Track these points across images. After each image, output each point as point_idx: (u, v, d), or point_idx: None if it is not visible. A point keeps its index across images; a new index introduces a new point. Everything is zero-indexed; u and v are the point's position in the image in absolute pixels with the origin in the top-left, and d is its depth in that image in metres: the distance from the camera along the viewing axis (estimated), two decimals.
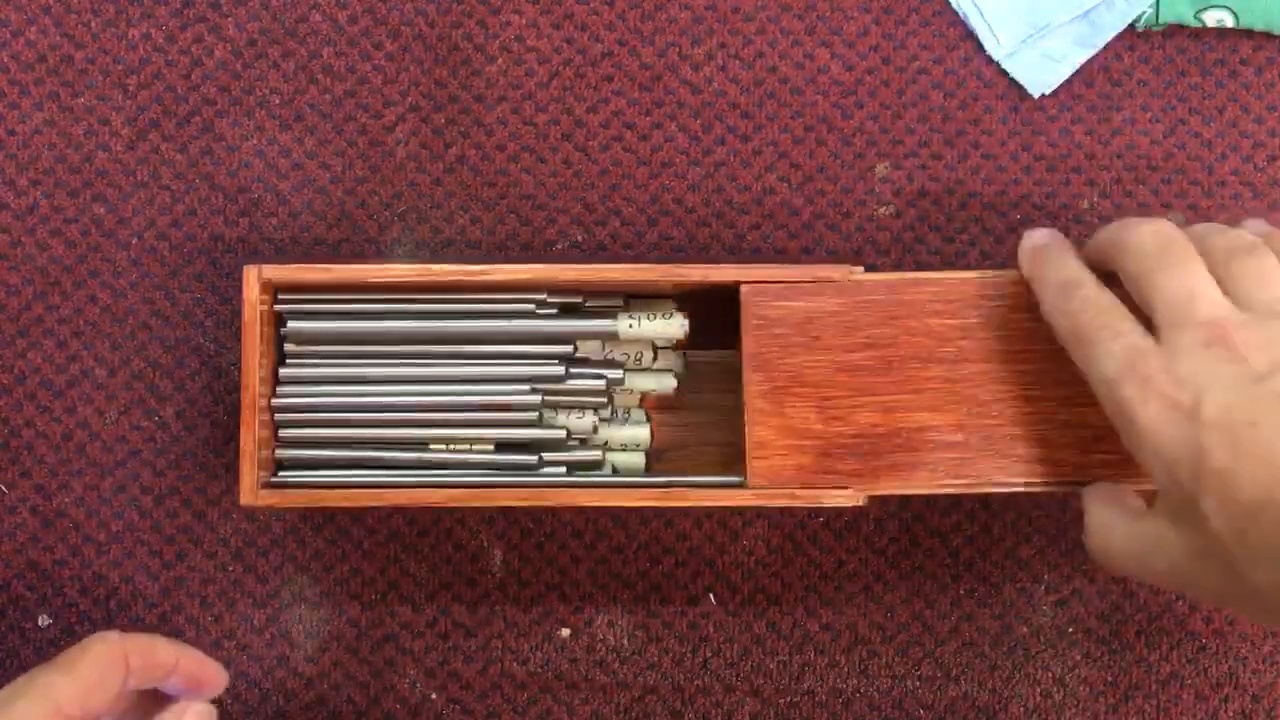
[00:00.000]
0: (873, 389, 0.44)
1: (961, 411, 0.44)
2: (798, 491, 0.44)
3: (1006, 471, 0.44)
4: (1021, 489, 0.44)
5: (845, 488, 0.44)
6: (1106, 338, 0.39)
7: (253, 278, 0.45)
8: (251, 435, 0.44)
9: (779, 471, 0.44)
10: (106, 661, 0.40)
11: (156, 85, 0.51)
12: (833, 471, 0.44)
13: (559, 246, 0.51)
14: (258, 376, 0.45)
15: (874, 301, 0.45)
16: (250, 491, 0.44)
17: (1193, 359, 0.37)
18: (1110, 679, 0.51)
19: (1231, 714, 0.51)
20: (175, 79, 0.51)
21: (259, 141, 0.51)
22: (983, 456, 0.44)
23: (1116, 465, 0.44)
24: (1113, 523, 0.41)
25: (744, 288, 0.45)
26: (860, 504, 0.44)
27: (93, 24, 0.51)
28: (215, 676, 0.44)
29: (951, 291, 0.45)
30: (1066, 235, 0.51)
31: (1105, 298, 0.40)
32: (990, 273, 0.45)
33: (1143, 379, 0.37)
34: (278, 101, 0.51)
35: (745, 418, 0.44)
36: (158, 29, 0.51)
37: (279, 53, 0.51)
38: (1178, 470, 0.36)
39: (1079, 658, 0.51)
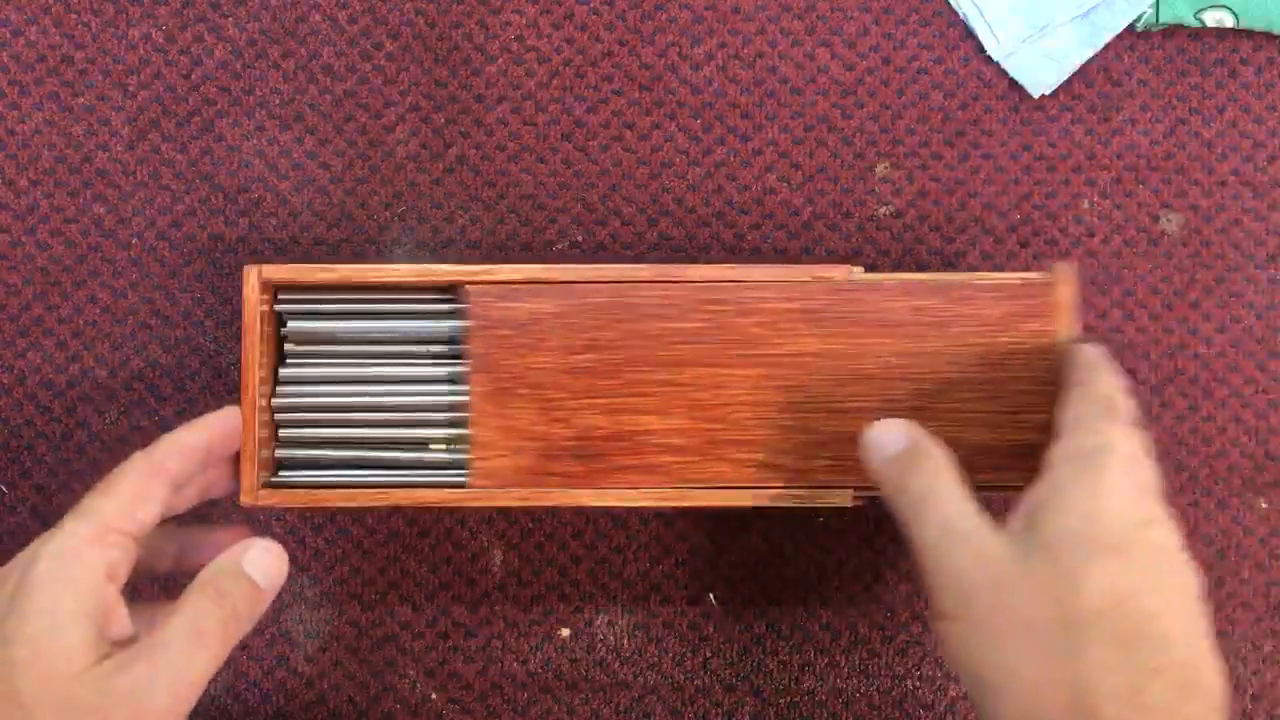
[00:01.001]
0: (596, 391, 0.44)
1: (685, 415, 0.44)
2: (797, 492, 0.44)
3: (731, 476, 0.44)
4: (749, 501, 0.44)
5: (848, 488, 0.44)
6: None
7: (253, 278, 0.45)
8: (251, 435, 0.44)
9: (500, 472, 0.44)
10: (145, 475, 0.40)
11: (156, 85, 0.51)
12: (554, 473, 0.44)
13: (559, 246, 0.51)
14: (258, 376, 0.45)
15: (598, 304, 0.44)
16: (250, 492, 0.44)
17: None
18: None
19: (1231, 714, 0.51)
20: (175, 79, 0.51)
21: (259, 141, 0.51)
22: (708, 460, 0.44)
23: (840, 471, 0.44)
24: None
25: (469, 288, 0.45)
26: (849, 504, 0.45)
27: (93, 24, 0.51)
28: (236, 417, 0.44)
29: (674, 295, 0.44)
30: (1066, 234, 0.51)
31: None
32: (713, 269, 0.45)
33: None
34: (278, 101, 0.51)
35: (470, 418, 0.44)
36: (158, 29, 0.51)
37: (279, 53, 0.51)
38: None
39: None
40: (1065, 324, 0.44)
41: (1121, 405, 0.40)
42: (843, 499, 0.44)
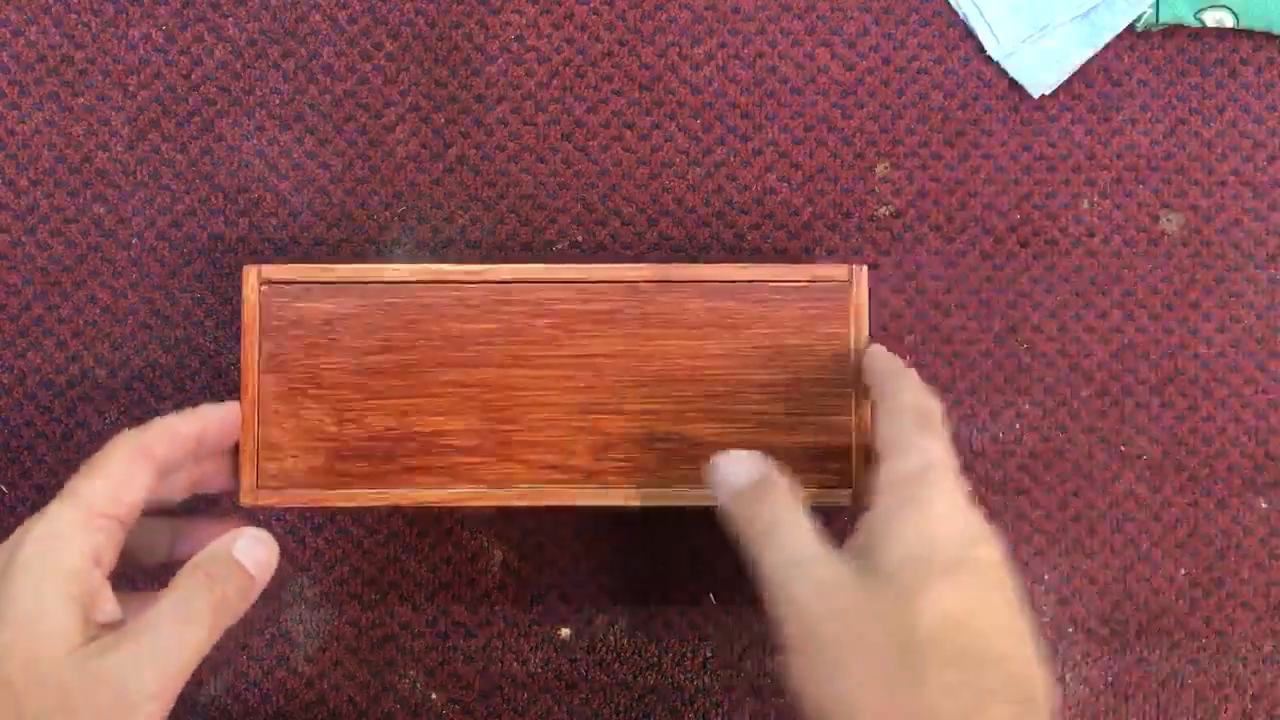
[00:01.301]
0: (388, 393, 0.44)
1: (476, 417, 0.44)
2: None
3: (524, 477, 0.45)
4: (541, 499, 0.45)
5: (846, 487, 0.45)
6: None
7: (253, 278, 0.45)
8: (251, 435, 0.44)
9: (290, 474, 0.44)
10: (130, 457, 0.40)
11: (156, 85, 0.51)
12: (345, 475, 0.44)
13: (559, 246, 0.51)
14: (258, 375, 0.45)
15: (395, 305, 0.44)
16: (250, 491, 0.44)
17: None
18: (1110, 679, 0.51)
19: (1231, 714, 0.51)
20: (175, 79, 0.51)
21: (259, 141, 0.51)
22: (499, 461, 0.44)
23: (627, 473, 0.45)
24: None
25: (263, 288, 0.45)
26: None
27: (93, 24, 0.51)
28: (236, 413, 0.45)
29: (472, 296, 0.45)
30: (1066, 234, 0.51)
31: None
32: (508, 268, 0.45)
33: None
34: (278, 101, 0.51)
35: (258, 418, 0.44)
36: (158, 29, 0.51)
37: (279, 53, 0.51)
38: None
39: (1079, 658, 0.51)
40: (859, 327, 0.45)
41: (931, 413, 0.41)
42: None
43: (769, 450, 0.43)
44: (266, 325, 0.44)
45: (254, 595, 0.41)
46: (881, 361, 0.44)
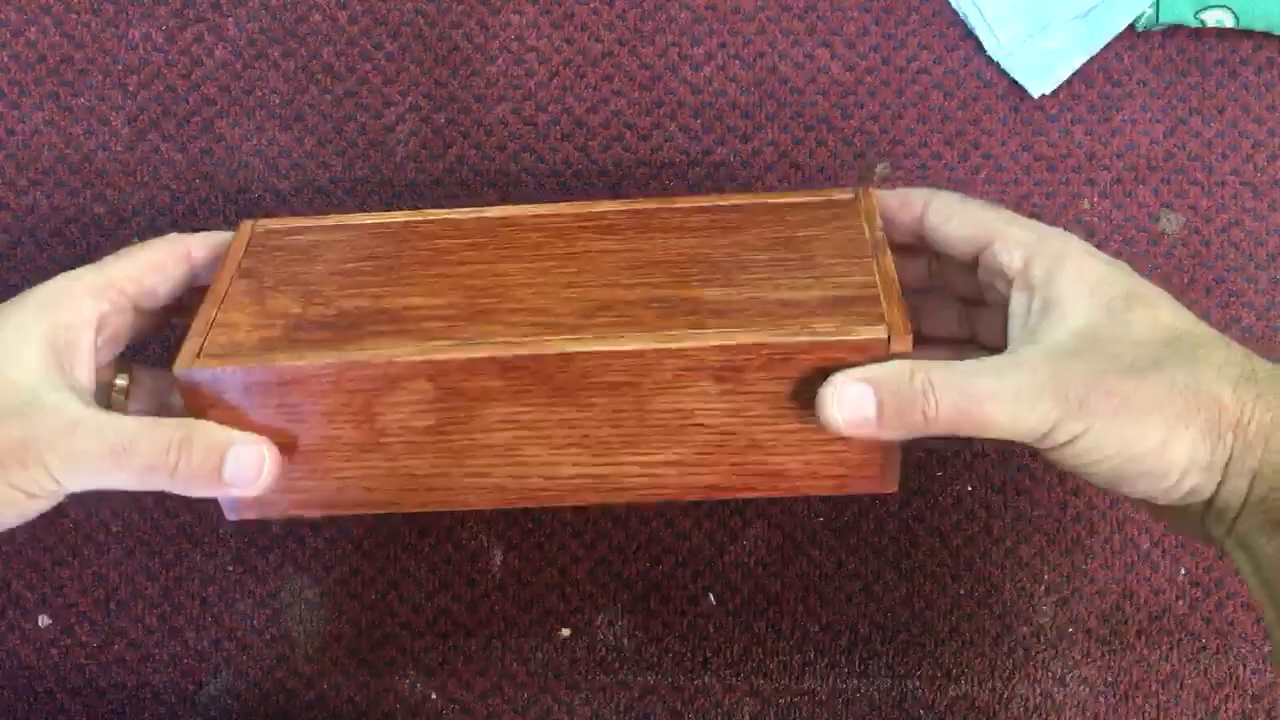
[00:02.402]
0: (363, 284, 0.42)
1: (455, 294, 0.41)
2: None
3: (502, 333, 0.39)
4: (518, 349, 0.38)
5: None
6: None
7: (248, 227, 0.43)
8: (206, 318, 0.41)
9: (240, 345, 0.40)
10: (166, 250, 0.42)
11: (156, 85, 0.51)
12: (299, 342, 0.39)
13: None
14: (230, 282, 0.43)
15: (384, 228, 0.44)
16: (188, 357, 0.40)
17: None
18: (1110, 679, 0.51)
19: (1231, 714, 0.51)
20: (175, 79, 0.51)
21: (259, 141, 0.51)
22: (474, 324, 0.39)
23: (620, 326, 0.39)
24: None
25: (255, 227, 0.43)
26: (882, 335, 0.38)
27: (93, 24, 0.51)
28: None
29: (466, 222, 0.43)
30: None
31: None
32: (512, 207, 0.44)
33: None
34: (278, 101, 0.51)
35: (219, 307, 0.41)
36: (158, 29, 0.51)
37: (279, 53, 0.51)
38: None
39: (1079, 658, 0.51)
40: (872, 226, 0.41)
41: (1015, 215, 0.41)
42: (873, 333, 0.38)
43: (779, 303, 0.39)
44: (252, 249, 0.43)
45: (208, 491, 0.40)
46: (900, 191, 0.43)
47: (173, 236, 0.43)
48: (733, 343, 0.38)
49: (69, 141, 0.51)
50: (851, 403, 0.37)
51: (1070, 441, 0.36)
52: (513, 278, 0.41)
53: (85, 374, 0.40)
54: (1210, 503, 0.36)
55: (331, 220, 0.44)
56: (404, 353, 0.38)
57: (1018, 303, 0.39)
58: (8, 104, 0.51)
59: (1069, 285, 0.38)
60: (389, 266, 0.42)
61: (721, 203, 0.43)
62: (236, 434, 0.39)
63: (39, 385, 0.38)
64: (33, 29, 0.51)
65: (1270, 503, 0.35)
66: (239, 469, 0.39)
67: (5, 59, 0.51)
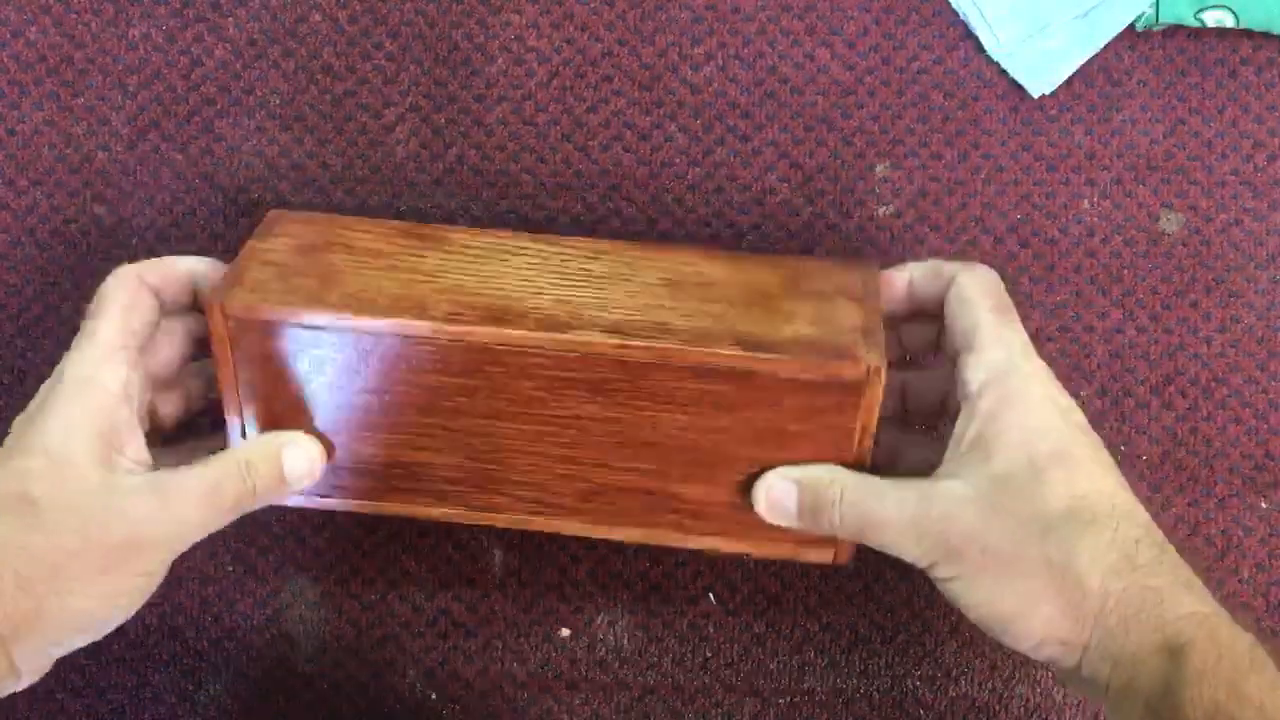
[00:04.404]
0: (369, 425, 0.43)
1: (460, 454, 0.43)
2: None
3: (506, 507, 0.44)
4: (530, 529, 0.44)
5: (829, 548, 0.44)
6: None
7: (217, 314, 0.42)
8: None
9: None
10: (127, 286, 0.42)
11: (156, 85, 0.51)
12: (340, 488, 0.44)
13: None
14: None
15: (380, 354, 0.42)
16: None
17: None
18: None
19: None
20: (175, 79, 0.51)
21: (259, 141, 0.51)
22: (484, 493, 0.44)
23: (609, 517, 0.44)
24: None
25: (231, 325, 0.41)
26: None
27: (93, 24, 0.51)
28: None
29: (454, 356, 0.41)
30: (1066, 234, 0.51)
31: None
32: (487, 331, 0.41)
33: None
34: (278, 101, 0.51)
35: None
36: (158, 29, 0.51)
37: (279, 53, 0.51)
38: None
39: None
40: (867, 424, 0.41)
41: (1002, 294, 0.42)
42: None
43: (752, 525, 0.43)
44: (241, 357, 0.42)
45: (279, 498, 0.43)
46: (920, 265, 0.45)
47: (123, 271, 0.43)
48: (706, 548, 0.44)
49: (69, 141, 0.51)
50: (778, 496, 0.42)
51: (945, 580, 0.39)
52: (511, 441, 0.43)
53: (137, 448, 0.41)
54: (1078, 672, 0.38)
55: (303, 315, 0.41)
56: (424, 513, 0.45)
57: (960, 424, 0.40)
58: (8, 104, 0.51)
59: (1005, 430, 0.39)
60: (389, 405, 0.43)
61: (719, 363, 0.40)
62: (281, 436, 0.43)
63: (105, 492, 0.39)
64: (33, 29, 0.51)
65: (1133, 691, 0.36)
66: (295, 466, 0.42)
67: (5, 59, 0.51)
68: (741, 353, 0.40)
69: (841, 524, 0.40)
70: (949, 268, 0.43)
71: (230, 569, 0.52)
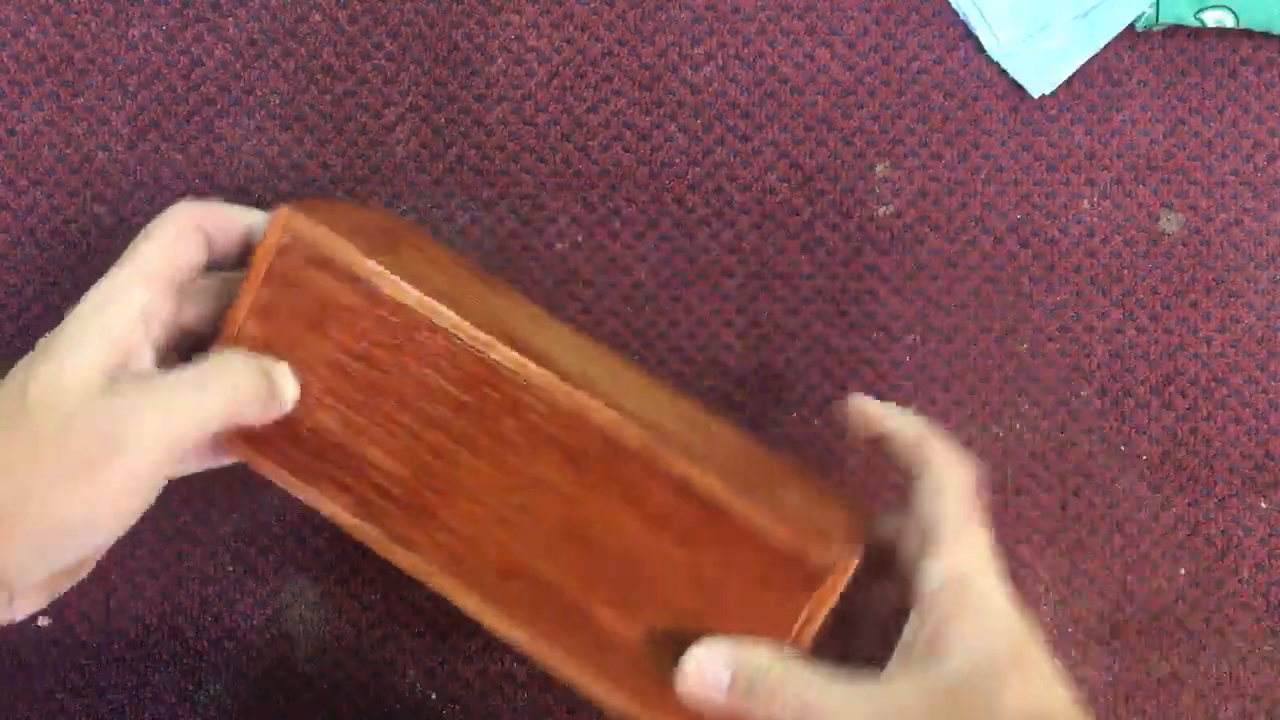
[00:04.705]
0: (342, 392, 0.41)
1: (408, 467, 0.41)
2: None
3: (419, 542, 0.42)
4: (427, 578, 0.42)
5: None
6: None
7: (279, 223, 0.40)
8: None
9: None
10: (181, 223, 0.42)
11: (156, 85, 0.51)
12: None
13: (559, 247, 0.51)
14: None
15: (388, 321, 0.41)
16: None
17: None
18: (1110, 679, 0.51)
19: (1231, 714, 0.51)
20: (175, 79, 0.51)
21: (259, 141, 0.51)
22: (411, 516, 0.42)
23: (518, 609, 0.41)
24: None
25: (285, 239, 0.40)
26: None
27: (93, 24, 0.51)
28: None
29: (460, 359, 0.40)
30: (1066, 234, 0.51)
31: None
32: (501, 351, 0.40)
33: None
34: (278, 101, 0.51)
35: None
36: (158, 29, 0.51)
37: (279, 53, 0.51)
38: None
39: (1079, 658, 0.51)
40: (813, 617, 0.39)
41: (973, 491, 0.40)
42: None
43: (660, 683, 0.39)
44: (272, 277, 0.41)
45: (262, 412, 0.40)
46: (905, 425, 0.42)
47: (181, 207, 0.42)
48: (593, 698, 0.41)
49: (69, 141, 0.51)
50: (710, 671, 0.38)
51: None
52: (464, 478, 0.41)
53: (147, 366, 0.40)
54: None
55: (354, 261, 0.40)
56: (337, 513, 0.42)
57: (913, 623, 0.38)
58: (8, 104, 0.51)
59: (961, 635, 0.37)
60: (372, 380, 0.41)
61: (699, 486, 0.39)
62: (269, 359, 0.41)
63: (94, 393, 0.38)
64: (33, 29, 0.51)
65: None
66: (285, 387, 0.41)
67: (5, 59, 0.51)
68: (724, 486, 0.38)
69: (780, 716, 0.37)
70: (930, 450, 0.41)
71: (230, 569, 0.52)
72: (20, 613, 0.39)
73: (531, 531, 0.40)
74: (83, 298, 0.40)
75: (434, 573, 0.42)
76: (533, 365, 0.40)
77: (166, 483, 0.40)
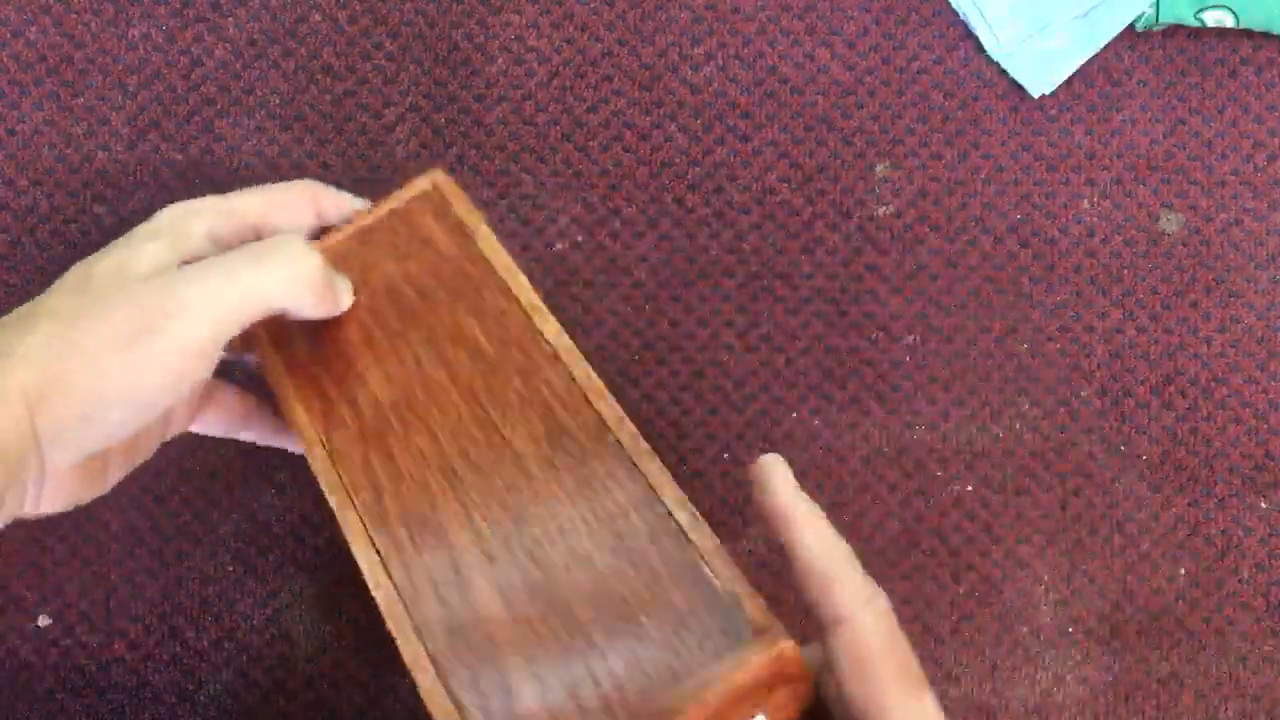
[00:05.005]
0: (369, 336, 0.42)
1: (396, 392, 0.41)
2: None
3: (347, 461, 0.40)
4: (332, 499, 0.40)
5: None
6: None
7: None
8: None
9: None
10: (302, 190, 0.43)
11: (156, 85, 0.51)
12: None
13: (559, 246, 0.51)
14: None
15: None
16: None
17: None
18: (1110, 679, 0.51)
19: (1231, 714, 0.51)
20: (175, 79, 0.51)
21: (259, 141, 0.51)
22: (360, 443, 0.40)
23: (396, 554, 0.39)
24: None
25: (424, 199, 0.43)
26: None
27: (93, 24, 0.51)
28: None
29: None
30: (1066, 234, 0.51)
31: None
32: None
33: None
34: (278, 101, 0.51)
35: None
36: (158, 29, 0.51)
37: (279, 53, 0.51)
38: None
39: (1079, 658, 0.51)
40: None
41: (910, 656, 0.33)
42: None
43: None
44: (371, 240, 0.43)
45: (318, 310, 0.40)
46: (815, 545, 0.34)
47: (311, 183, 0.43)
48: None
49: (69, 141, 0.51)
50: None
51: None
52: (448, 407, 0.40)
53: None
54: None
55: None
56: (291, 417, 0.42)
57: None
58: (8, 104, 0.51)
59: None
60: (407, 311, 0.42)
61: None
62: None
63: (152, 274, 0.38)
64: (33, 29, 0.51)
65: None
66: (344, 288, 0.42)
67: (5, 59, 0.51)
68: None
69: None
70: (841, 597, 0.33)
71: (230, 569, 0.51)
72: (46, 505, 0.38)
73: (468, 492, 0.38)
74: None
75: (344, 496, 0.39)
76: (568, 340, 0.40)
77: (218, 360, 0.39)
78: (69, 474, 0.38)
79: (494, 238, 0.42)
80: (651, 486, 0.37)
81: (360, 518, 0.39)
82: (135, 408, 0.37)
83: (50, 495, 0.38)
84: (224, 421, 0.45)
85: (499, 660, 0.35)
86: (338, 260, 0.43)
